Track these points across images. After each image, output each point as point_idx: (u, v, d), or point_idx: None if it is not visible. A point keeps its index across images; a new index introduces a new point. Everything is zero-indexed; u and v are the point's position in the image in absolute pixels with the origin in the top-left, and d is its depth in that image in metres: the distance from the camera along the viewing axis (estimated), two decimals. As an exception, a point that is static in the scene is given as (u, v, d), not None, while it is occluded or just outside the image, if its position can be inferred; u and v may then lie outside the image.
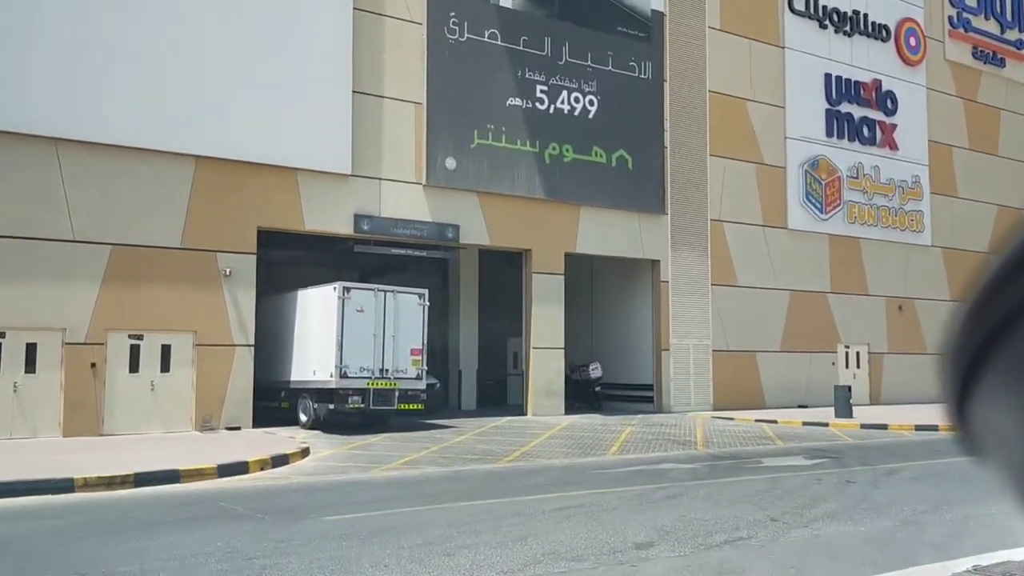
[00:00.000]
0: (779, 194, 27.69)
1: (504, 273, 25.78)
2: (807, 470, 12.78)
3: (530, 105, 22.57)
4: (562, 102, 23.09)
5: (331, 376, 17.48)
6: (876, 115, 30.15)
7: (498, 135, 21.98)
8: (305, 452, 14.34)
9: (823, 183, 28.62)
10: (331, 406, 17.67)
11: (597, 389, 25.05)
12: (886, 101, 30.39)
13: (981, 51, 33.53)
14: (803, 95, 28.43)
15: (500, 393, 27.58)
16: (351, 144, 19.85)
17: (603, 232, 23.83)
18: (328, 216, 19.74)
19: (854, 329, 29.06)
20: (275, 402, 19.63)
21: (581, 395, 25.09)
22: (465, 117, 21.55)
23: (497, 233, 22.12)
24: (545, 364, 22.63)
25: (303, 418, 18.68)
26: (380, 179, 20.44)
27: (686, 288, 25.32)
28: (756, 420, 22.17)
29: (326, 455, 14.57)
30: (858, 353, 29.31)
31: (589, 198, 23.49)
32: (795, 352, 27.45)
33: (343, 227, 19.95)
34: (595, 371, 25.03)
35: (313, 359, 18.30)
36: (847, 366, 28.98)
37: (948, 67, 32.69)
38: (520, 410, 22.93)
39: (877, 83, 30.16)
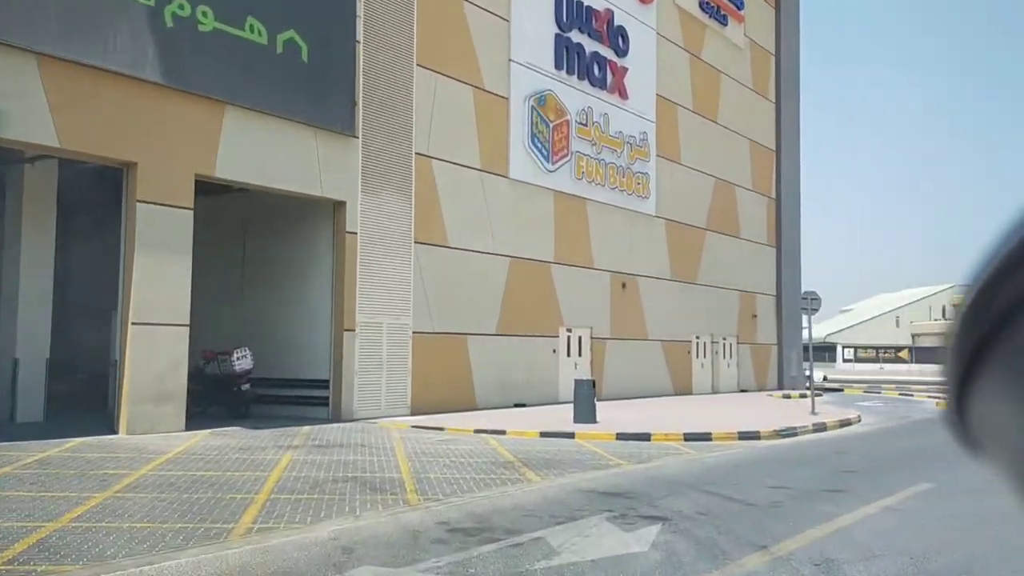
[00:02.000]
0: (501, 132, 21.43)
1: (105, 205, 16.67)
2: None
3: (141, -74, 13.81)
4: (198, -65, 14.59)
5: None
6: (607, 53, 25.15)
7: (79, -38, 12.98)
8: None
9: (551, 125, 22.91)
10: None
11: (245, 388, 16.79)
12: (618, 38, 25.55)
13: (707, 3, 30.24)
14: (531, 9, 22.46)
15: (96, 395, 18.21)
16: None
17: (261, 150, 15.70)
18: None
19: (577, 309, 23.78)
20: None
21: (220, 397, 16.77)
22: (13, -83, 12.31)
23: (73, 129, 13.09)
24: (155, 350, 14.02)
25: None
26: None
27: (381, 245, 18.03)
28: (476, 431, 15.53)
29: None
30: (580, 338, 24.11)
31: (240, 94, 15.25)
32: (513, 336, 21.40)
33: None
34: (241, 362, 16.71)
35: None
36: (568, 354, 23.64)
37: (677, 13, 28.84)
38: (111, 425, 14.12)
39: (610, 14, 25.18)
